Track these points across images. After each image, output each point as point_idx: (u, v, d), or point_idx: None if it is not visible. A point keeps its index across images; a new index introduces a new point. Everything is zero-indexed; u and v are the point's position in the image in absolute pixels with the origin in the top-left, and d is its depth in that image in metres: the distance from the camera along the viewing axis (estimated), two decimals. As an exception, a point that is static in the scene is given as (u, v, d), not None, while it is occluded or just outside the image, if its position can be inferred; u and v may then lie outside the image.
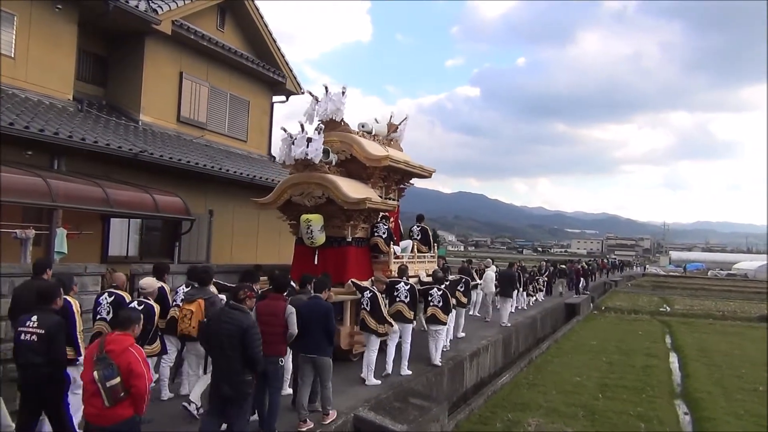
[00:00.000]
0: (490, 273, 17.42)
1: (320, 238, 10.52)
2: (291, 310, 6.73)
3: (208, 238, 15.51)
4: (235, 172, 15.30)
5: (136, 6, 14.12)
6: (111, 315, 6.91)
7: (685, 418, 10.98)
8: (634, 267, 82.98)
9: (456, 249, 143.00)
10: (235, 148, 18.81)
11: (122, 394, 4.49)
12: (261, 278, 9.05)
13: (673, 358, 16.84)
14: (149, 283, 7.33)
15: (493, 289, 17.39)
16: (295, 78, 21.08)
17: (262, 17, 19.24)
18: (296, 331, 6.71)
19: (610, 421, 10.07)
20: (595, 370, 14.16)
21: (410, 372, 9.71)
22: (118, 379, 4.47)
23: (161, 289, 7.66)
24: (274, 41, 19.89)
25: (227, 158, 16.73)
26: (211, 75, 17.76)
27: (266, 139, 21.00)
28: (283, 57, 20.38)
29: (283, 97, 21.54)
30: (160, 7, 14.86)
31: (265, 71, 19.51)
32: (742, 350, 17.75)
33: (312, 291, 7.73)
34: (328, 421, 7.11)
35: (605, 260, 61.63)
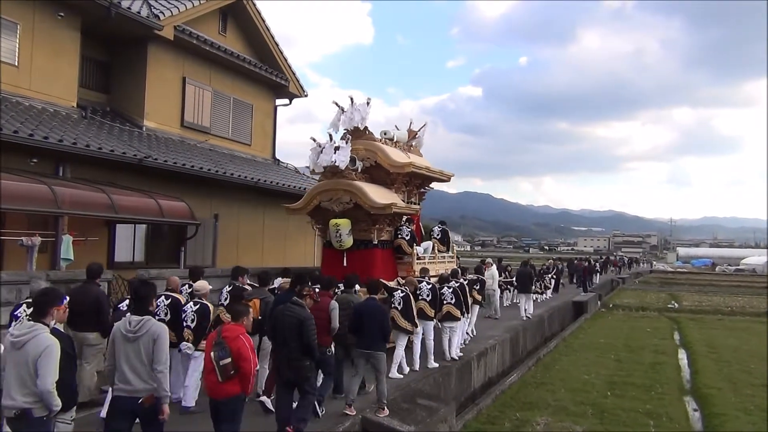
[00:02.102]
0: (494, 272, 17.62)
1: (348, 241, 11.14)
2: (334, 305, 7.61)
3: (213, 242, 15.54)
4: (239, 176, 15.34)
5: (138, 12, 14.18)
6: (169, 316, 7.45)
7: (694, 415, 10.94)
8: (641, 264, 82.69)
9: (462, 249, 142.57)
10: (239, 152, 18.85)
11: (232, 372, 5.37)
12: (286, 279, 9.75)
13: (682, 355, 16.76)
14: (203, 285, 7.85)
15: (497, 287, 17.66)
16: (297, 81, 21.10)
17: (263, 21, 19.27)
18: (337, 325, 7.56)
19: (619, 419, 10.02)
20: (603, 367, 14.10)
21: (437, 365, 10.29)
22: (229, 360, 5.35)
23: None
24: (276, 44, 19.91)
25: (231, 162, 16.77)
26: (214, 79, 17.80)
27: (270, 142, 21.03)
28: (286, 60, 20.41)
29: (287, 100, 21.56)
30: (162, 13, 14.90)
31: (268, 75, 19.54)
32: (751, 345, 17.65)
33: (348, 289, 8.78)
34: (383, 415, 7.63)
35: (618, 258, 62.13)
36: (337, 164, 11.09)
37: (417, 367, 10.09)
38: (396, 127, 13.27)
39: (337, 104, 12.25)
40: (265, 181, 16.38)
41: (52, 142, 10.63)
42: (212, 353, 5.42)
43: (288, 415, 6.56)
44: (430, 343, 10.38)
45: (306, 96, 22.03)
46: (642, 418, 10.13)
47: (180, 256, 14.34)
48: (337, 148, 11.16)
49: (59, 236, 10.61)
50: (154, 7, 14.94)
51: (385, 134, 12.65)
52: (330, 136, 11.52)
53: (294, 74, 20.86)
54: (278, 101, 21.32)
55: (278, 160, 21.28)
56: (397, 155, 12.23)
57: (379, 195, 11.23)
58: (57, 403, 4.63)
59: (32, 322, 4.70)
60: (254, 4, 18.89)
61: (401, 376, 9.52)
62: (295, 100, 21.85)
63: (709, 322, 23.41)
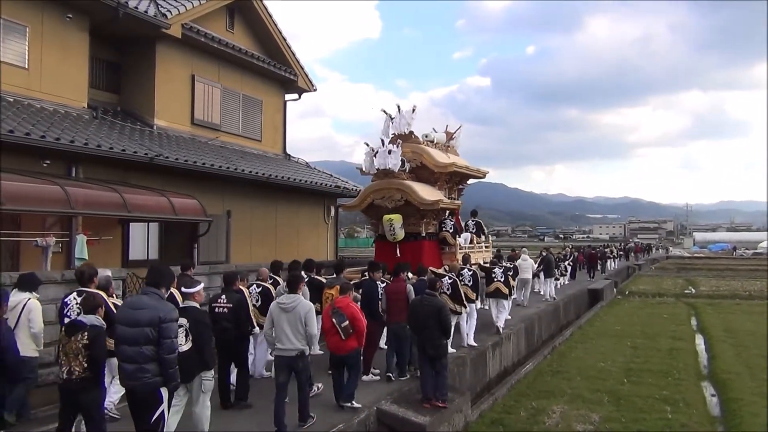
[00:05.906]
0: (527, 261, 17.76)
1: (400, 234, 12.58)
2: (410, 288, 9.04)
3: (226, 238, 15.62)
4: (250, 172, 15.37)
5: (146, 11, 14.21)
6: (260, 302, 8.82)
7: (712, 400, 10.85)
8: (657, 249, 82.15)
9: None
10: (250, 148, 18.89)
11: (351, 331, 7.22)
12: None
13: (699, 340, 16.63)
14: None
15: (530, 276, 17.92)
16: (306, 75, 21.08)
17: (271, 16, 19.24)
18: None
19: (636, 406, 9.96)
20: (619, 354, 14.04)
21: (476, 344, 11.35)
22: (347, 322, 7.20)
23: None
24: (284, 40, 19.89)
25: (242, 158, 16.81)
26: (222, 76, 17.84)
27: (281, 137, 21.05)
28: (294, 55, 20.38)
29: (296, 95, 21.55)
30: (169, 11, 14.92)
31: (277, 70, 19.54)
32: (770, 329, 17.45)
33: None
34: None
35: (638, 243, 64.16)
36: (390, 168, 12.47)
37: (472, 342, 11.29)
38: (434, 129, 14.63)
39: (385, 112, 13.69)
40: (276, 176, 16.41)
41: (64, 143, 10.72)
42: (332, 319, 7.21)
43: (430, 384, 8.06)
44: (473, 323, 11.42)
45: (315, 90, 22.01)
46: (659, 404, 10.07)
47: (193, 253, 14.42)
48: (389, 152, 12.49)
49: (73, 236, 10.72)
50: (162, 6, 14.97)
51: (426, 137, 14.01)
52: (382, 141, 12.86)
53: (303, 69, 20.84)
54: (288, 96, 21.31)
55: (289, 155, 21.30)
56: (440, 156, 13.63)
57: (426, 192, 12.62)
58: (317, 345, 6.90)
59: (292, 294, 6.83)
60: (261, 0, 18.87)
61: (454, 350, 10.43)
62: (304, 95, 21.82)
63: (726, 307, 23.21)
